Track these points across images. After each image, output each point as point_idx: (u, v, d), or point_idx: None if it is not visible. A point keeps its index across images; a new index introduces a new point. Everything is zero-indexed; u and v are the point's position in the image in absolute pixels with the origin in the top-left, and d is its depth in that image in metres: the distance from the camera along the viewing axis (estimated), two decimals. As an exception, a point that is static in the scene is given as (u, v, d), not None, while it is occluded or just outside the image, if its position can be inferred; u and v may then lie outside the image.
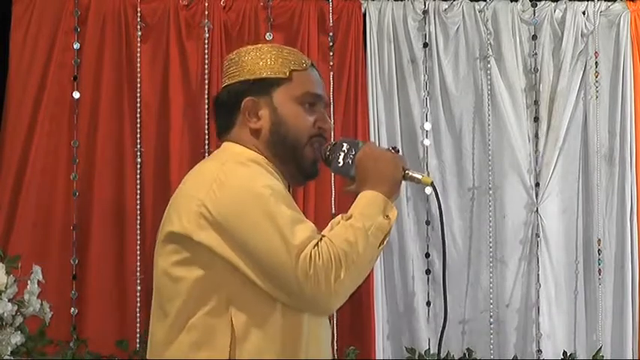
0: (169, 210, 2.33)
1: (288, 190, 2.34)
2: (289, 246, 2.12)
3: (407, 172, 2.33)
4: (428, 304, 4.93)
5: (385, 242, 2.22)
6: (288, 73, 2.35)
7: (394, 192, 2.31)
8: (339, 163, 2.34)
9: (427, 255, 4.96)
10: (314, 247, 2.12)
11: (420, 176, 2.35)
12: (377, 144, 2.41)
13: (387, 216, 2.24)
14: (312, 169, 2.36)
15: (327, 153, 2.35)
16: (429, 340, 4.88)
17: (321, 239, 2.15)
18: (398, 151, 2.40)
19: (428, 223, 4.96)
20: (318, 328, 2.26)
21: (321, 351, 2.27)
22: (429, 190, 4.87)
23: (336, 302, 2.17)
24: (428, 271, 4.96)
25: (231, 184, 2.20)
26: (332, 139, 2.42)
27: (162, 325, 2.24)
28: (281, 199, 2.18)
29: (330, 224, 2.23)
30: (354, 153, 2.33)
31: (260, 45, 2.44)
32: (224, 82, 2.40)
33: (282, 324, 2.18)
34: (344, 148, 2.34)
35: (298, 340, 2.20)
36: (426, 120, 5.00)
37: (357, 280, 2.19)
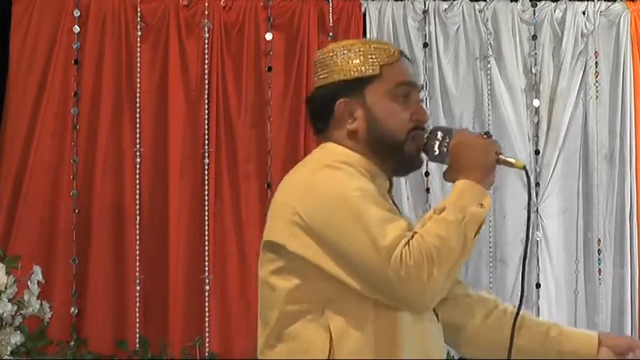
0: (268, 218, 2.32)
1: (390, 184, 2.35)
2: (379, 247, 2.11)
3: (500, 156, 2.30)
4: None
5: (480, 231, 2.20)
6: (378, 70, 2.33)
7: (488, 178, 2.28)
8: (435, 151, 2.34)
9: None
10: (405, 246, 2.11)
11: (513, 160, 2.32)
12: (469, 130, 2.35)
13: (482, 204, 2.22)
14: (415, 162, 2.37)
15: (425, 141, 2.34)
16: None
17: (412, 237, 2.13)
18: (491, 136, 2.36)
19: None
20: (420, 324, 2.23)
21: (427, 347, 2.24)
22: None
23: (432, 299, 2.16)
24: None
25: (321, 190, 2.21)
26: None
27: (262, 333, 2.29)
28: (371, 200, 2.18)
29: (422, 219, 2.22)
30: (448, 141, 2.33)
31: (348, 42, 2.39)
32: (315, 82, 2.39)
33: (378, 324, 2.18)
34: (438, 137, 2.32)
35: (395, 338, 2.19)
36: (426, 120, 5.00)
37: (452, 275, 2.17)
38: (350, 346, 2.17)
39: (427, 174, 4.98)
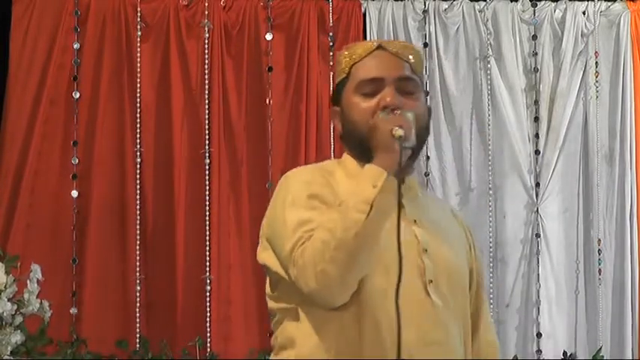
0: None
1: (400, 184, 2.24)
2: (286, 252, 2.17)
3: (393, 131, 2.16)
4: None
5: (374, 212, 2.10)
6: (348, 71, 2.34)
7: (389, 156, 2.16)
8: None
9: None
10: (299, 248, 2.14)
11: (395, 133, 2.16)
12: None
13: (375, 185, 2.13)
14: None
15: None
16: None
17: (309, 237, 2.14)
18: (394, 110, 2.23)
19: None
20: (360, 320, 2.20)
21: (383, 338, 2.19)
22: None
23: (333, 293, 2.14)
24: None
25: (274, 200, 2.30)
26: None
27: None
28: (297, 206, 2.21)
29: None
30: None
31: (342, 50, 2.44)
32: None
33: (335, 324, 2.19)
34: None
35: (353, 336, 2.19)
36: (426, 120, 5.00)
37: (350, 263, 2.11)
38: (307, 348, 2.20)
39: (427, 174, 4.98)
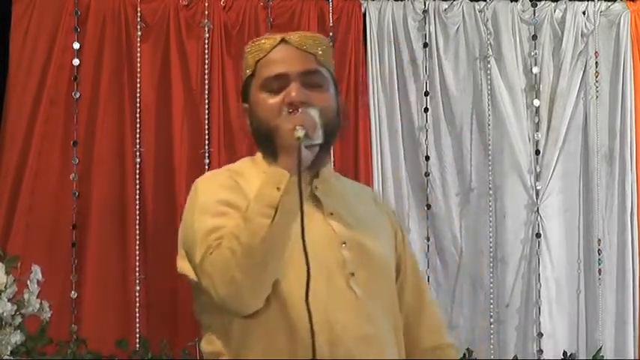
0: None
1: (319, 178, 2.28)
2: (195, 262, 2.14)
3: (294, 131, 2.11)
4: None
5: (279, 215, 2.07)
6: (253, 68, 2.31)
7: (291, 157, 2.11)
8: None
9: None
10: (208, 256, 2.10)
11: (296, 133, 2.11)
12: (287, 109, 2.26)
13: (278, 187, 2.09)
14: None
15: None
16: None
17: (218, 245, 2.11)
18: (296, 109, 2.19)
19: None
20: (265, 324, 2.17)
21: (275, 341, 2.16)
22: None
23: (243, 301, 2.11)
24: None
25: (185, 210, 2.28)
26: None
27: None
28: (206, 213, 2.17)
29: None
30: None
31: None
32: None
33: (234, 330, 2.19)
34: None
35: (245, 343, 2.18)
36: (426, 120, 5.01)
37: (259, 269, 2.08)
38: (237, 355, 2.18)
39: (427, 174, 4.98)
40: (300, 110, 2.18)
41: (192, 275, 2.20)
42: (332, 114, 2.29)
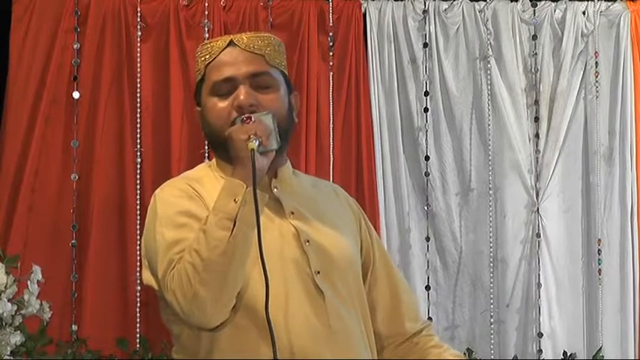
0: None
1: (277, 179, 2.29)
2: (159, 276, 2.13)
3: (249, 141, 2.10)
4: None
5: (238, 227, 2.05)
6: (203, 71, 2.30)
7: (244, 168, 2.10)
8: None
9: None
10: (170, 272, 2.09)
11: (249, 143, 2.10)
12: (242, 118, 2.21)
13: (236, 199, 2.08)
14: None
15: None
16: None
17: (180, 260, 2.09)
18: (249, 118, 2.16)
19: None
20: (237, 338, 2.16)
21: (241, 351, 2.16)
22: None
23: (207, 315, 2.09)
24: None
25: (146, 222, 2.26)
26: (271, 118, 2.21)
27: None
28: (166, 226, 2.16)
29: None
30: None
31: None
32: None
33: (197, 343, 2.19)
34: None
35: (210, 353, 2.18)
36: (426, 120, 5.01)
37: (221, 282, 2.06)
38: None
39: (427, 174, 4.98)
40: (253, 119, 2.15)
41: (156, 287, 2.20)
42: (284, 114, 2.28)
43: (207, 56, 2.30)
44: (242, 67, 2.27)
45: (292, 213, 2.26)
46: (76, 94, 4.75)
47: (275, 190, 2.28)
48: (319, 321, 2.16)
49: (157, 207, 2.22)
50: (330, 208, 2.35)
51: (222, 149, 2.24)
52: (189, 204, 2.19)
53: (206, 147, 4.76)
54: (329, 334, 2.17)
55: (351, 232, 2.36)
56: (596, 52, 5.11)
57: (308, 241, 2.22)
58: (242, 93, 2.23)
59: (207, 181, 2.28)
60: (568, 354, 4.96)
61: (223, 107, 2.24)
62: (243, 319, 2.14)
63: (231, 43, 2.30)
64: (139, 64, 4.80)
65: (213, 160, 2.36)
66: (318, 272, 2.19)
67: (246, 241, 2.08)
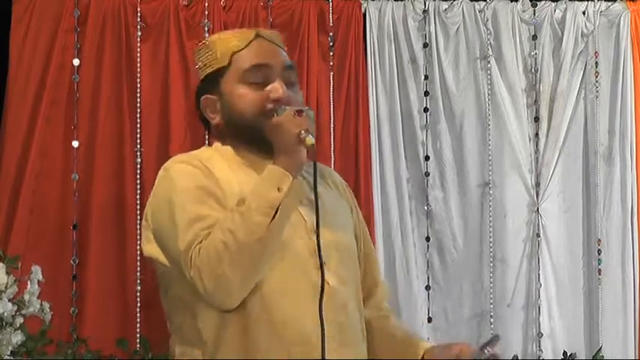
0: None
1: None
2: (179, 250, 2.11)
3: (301, 135, 2.14)
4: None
5: (279, 216, 2.09)
6: (228, 60, 2.30)
7: (292, 159, 2.15)
8: None
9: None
10: (195, 247, 2.09)
11: (307, 139, 2.15)
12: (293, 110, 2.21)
13: (280, 188, 2.11)
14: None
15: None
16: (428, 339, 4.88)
17: (207, 236, 2.09)
18: (301, 112, 2.19)
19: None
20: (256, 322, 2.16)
21: (248, 341, 2.16)
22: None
23: (229, 296, 2.10)
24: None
25: (156, 192, 2.26)
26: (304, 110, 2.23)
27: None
28: (187, 200, 2.15)
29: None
30: None
31: (207, 38, 2.41)
32: None
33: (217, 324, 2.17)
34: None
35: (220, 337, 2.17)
36: (426, 120, 5.01)
37: (250, 266, 2.09)
38: (213, 349, 2.16)
39: (427, 174, 4.98)
40: (304, 113, 2.18)
41: (162, 259, 2.19)
42: None
43: (233, 44, 2.30)
44: (275, 57, 2.32)
45: (300, 201, 2.25)
46: (76, 94, 4.74)
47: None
48: (325, 313, 2.15)
49: (175, 178, 2.21)
50: (328, 196, 2.37)
51: (247, 138, 2.26)
52: (206, 181, 2.20)
53: (206, 146, 4.76)
54: (335, 327, 2.18)
55: (348, 219, 2.39)
56: (596, 52, 5.11)
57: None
58: (281, 86, 2.26)
59: (216, 161, 2.28)
60: (568, 354, 4.96)
61: (256, 97, 2.26)
62: (254, 305, 2.14)
63: (258, 36, 2.33)
64: (138, 64, 4.79)
65: (216, 143, 2.36)
66: (325, 263, 2.19)
67: (282, 231, 2.11)
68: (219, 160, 2.28)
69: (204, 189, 2.17)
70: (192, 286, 2.12)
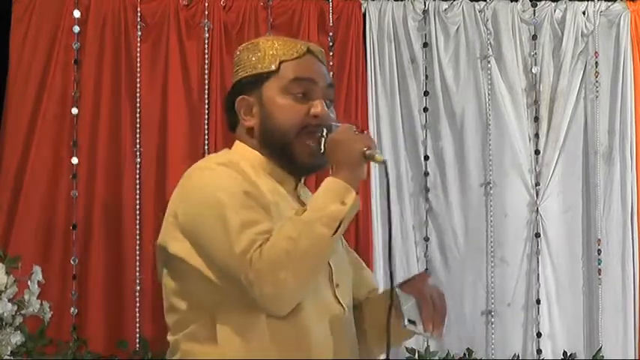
0: None
1: (298, 181, 2.31)
2: (234, 253, 2.09)
3: (366, 151, 2.18)
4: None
5: (341, 229, 2.11)
6: (276, 66, 2.30)
7: (355, 174, 2.18)
8: (321, 149, 2.24)
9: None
10: (255, 251, 2.08)
11: (376, 155, 2.19)
12: (352, 127, 2.27)
13: (344, 202, 2.12)
14: (310, 161, 2.28)
15: (318, 139, 2.26)
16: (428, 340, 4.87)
17: (265, 241, 2.09)
18: (363, 131, 2.30)
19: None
20: (304, 330, 2.18)
21: (305, 348, 2.17)
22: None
23: (286, 302, 2.11)
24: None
25: (194, 192, 2.22)
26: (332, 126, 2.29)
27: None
28: (236, 204, 2.14)
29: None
30: (327, 138, 2.25)
31: (256, 39, 2.39)
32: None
33: (265, 330, 2.16)
34: (323, 134, 2.24)
35: (275, 344, 2.16)
36: (427, 120, 5.01)
37: (308, 275, 2.11)
38: (231, 354, 2.15)
39: (427, 174, 4.98)
40: (366, 132, 2.24)
41: (192, 260, 2.17)
42: None
43: (285, 53, 2.31)
44: (321, 75, 2.33)
45: None
46: (76, 94, 4.74)
47: (300, 195, 2.33)
48: (337, 335, 2.21)
49: (221, 179, 2.20)
50: None
51: (279, 147, 2.27)
52: (248, 187, 2.20)
53: (206, 147, 4.77)
54: (345, 350, 2.24)
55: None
56: (596, 52, 5.11)
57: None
58: (322, 105, 2.29)
59: (244, 167, 2.27)
60: (568, 354, 4.96)
61: (298, 110, 2.27)
62: (277, 321, 2.15)
63: (309, 51, 2.34)
64: (138, 64, 4.80)
65: (240, 145, 2.35)
66: (338, 285, 2.24)
67: (337, 244, 2.18)
68: (247, 167, 2.28)
69: (249, 195, 2.17)
70: (215, 287, 2.13)
